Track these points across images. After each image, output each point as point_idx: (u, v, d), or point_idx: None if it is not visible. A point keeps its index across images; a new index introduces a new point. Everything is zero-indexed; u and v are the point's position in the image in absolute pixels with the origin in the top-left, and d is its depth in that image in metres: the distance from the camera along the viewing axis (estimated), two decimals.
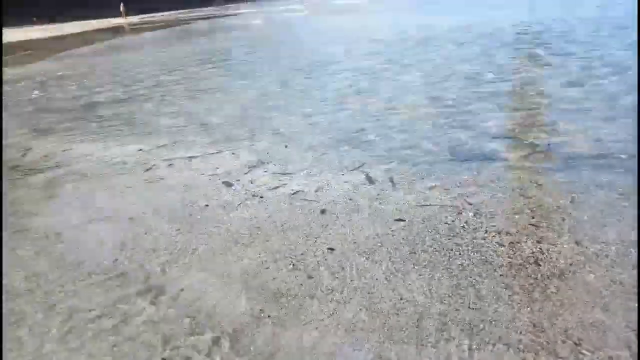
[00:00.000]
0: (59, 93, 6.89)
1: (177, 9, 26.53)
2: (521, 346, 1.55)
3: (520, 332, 1.61)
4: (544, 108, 4.07)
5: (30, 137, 4.71)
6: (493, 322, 1.67)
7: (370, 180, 2.96)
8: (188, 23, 18.21)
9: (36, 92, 7.16)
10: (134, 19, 23.07)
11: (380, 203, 2.65)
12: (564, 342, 1.55)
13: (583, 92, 4.39)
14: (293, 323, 1.77)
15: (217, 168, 3.41)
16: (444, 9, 13.91)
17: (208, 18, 19.75)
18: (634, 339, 1.53)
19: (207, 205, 2.83)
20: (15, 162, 3.99)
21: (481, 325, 1.66)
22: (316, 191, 2.87)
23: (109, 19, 22.72)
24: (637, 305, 1.68)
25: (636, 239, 2.09)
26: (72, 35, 17.19)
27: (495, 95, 4.56)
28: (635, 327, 1.58)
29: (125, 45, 12.47)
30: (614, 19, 8.66)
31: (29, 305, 2.03)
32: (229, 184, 3.11)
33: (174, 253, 2.34)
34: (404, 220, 2.43)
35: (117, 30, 17.62)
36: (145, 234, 2.56)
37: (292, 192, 2.90)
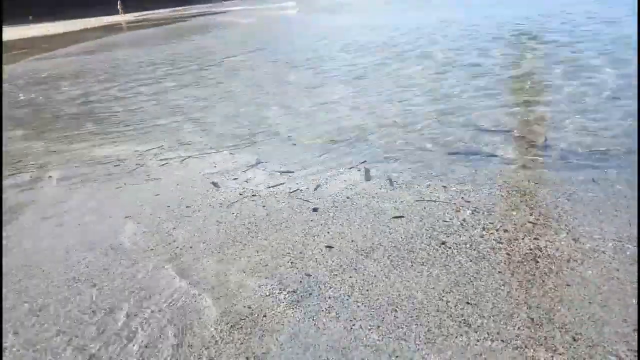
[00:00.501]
0: (51, 92, 6.86)
1: (175, 6, 26.45)
2: (519, 342, 1.55)
3: (518, 328, 1.61)
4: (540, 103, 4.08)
5: (21, 138, 4.69)
6: (491, 318, 1.67)
7: (368, 178, 2.96)
8: (184, 20, 18.14)
9: (25, 91, 7.13)
10: (132, 16, 22.97)
11: (378, 201, 2.65)
12: (562, 337, 1.55)
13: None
14: (290, 320, 1.77)
15: (215, 167, 3.40)
16: (437, 7, 13.92)
17: (204, 15, 19.69)
18: (632, 333, 1.54)
19: (204, 204, 2.82)
20: (5, 163, 3.97)
21: (479, 321, 1.66)
22: (314, 189, 2.87)
23: (107, 17, 22.61)
24: (635, 300, 1.68)
25: (632, 234, 2.10)
26: (69, 33, 17.09)
27: (493, 91, 4.56)
28: (632, 321, 1.58)
29: (120, 43, 12.42)
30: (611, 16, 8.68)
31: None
32: (226, 183, 3.11)
33: (171, 252, 2.34)
34: (402, 218, 2.44)
35: (113, 28, 17.53)
36: (143, 233, 2.55)
37: (291, 190, 2.90)
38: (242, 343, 1.69)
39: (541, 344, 1.53)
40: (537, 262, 1.97)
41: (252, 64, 7.56)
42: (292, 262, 2.14)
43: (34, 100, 6.47)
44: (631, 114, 3.61)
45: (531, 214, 2.36)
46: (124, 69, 8.25)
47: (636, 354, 1.45)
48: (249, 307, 1.87)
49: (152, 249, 2.37)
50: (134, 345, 1.73)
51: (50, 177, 3.52)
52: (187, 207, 2.80)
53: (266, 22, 14.92)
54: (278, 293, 1.94)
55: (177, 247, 2.37)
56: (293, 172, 3.17)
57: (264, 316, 1.81)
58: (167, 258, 2.28)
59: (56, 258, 2.38)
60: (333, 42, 8.87)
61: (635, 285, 1.76)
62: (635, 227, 2.16)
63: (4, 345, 1.80)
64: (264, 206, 2.72)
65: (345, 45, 8.29)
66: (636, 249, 2.00)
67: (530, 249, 2.07)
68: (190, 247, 2.36)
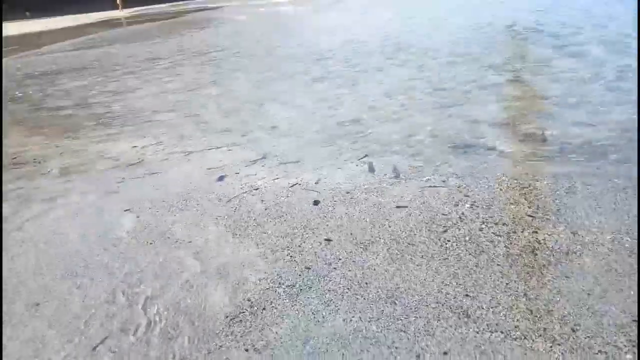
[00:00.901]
0: (48, 87, 6.83)
1: (172, 1, 26.26)
2: (518, 333, 1.56)
3: (518, 319, 1.62)
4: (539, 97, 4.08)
5: (18, 134, 4.68)
6: (490, 310, 1.68)
7: (368, 172, 2.96)
8: (181, 16, 18.07)
9: (22, 87, 7.10)
10: (130, 12, 22.85)
11: (377, 195, 2.65)
12: (561, 328, 1.56)
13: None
14: (290, 313, 1.77)
15: (214, 162, 3.39)
16: (431, 3, 13.87)
17: (200, 11, 19.63)
18: (630, 324, 1.54)
19: (203, 199, 2.82)
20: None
21: (478, 313, 1.67)
22: (315, 184, 2.87)
23: (105, 12, 22.48)
24: (633, 292, 1.69)
25: (630, 227, 2.10)
26: (67, 29, 16.99)
27: (490, 84, 4.56)
28: (631, 313, 1.59)
29: (118, 38, 12.35)
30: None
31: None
32: (225, 178, 3.10)
33: (169, 246, 2.34)
34: (401, 212, 2.44)
35: (111, 24, 17.44)
36: (142, 227, 2.55)
37: (290, 184, 2.89)
38: (241, 336, 1.69)
39: (540, 335, 1.54)
40: (536, 254, 1.98)
41: (248, 60, 7.53)
42: (291, 256, 2.15)
43: (31, 95, 6.45)
44: (630, 106, 3.61)
45: (530, 207, 2.37)
46: (121, 65, 8.22)
47: (634, 344, 1.46)
48: (249, 300, 1.87)
49: (150, 243, 2.37)
50: (130, 337, 1.73)
51: (48, 172, 3.51)
52: (186, 202, 2.80)
53: (261, 18, 14.87)
54: (277, 287, 1.94)
55: (176, 241, 2.37)
56: (292, 166, 3.17)
57: (264, 309, 1.81)
58: (166, 252, 2.28)
59: (54, 253, 2.38)
60: (329, 38, 8.84)
61: (633, 277, 1.77)
62: (633, 219, 2.16)
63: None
64: (263, 200, 2.72)
65: (342, 41, 8.27)
66: (634, 241, 2.00)
67: (529, 242, 2.07)
68: (189, 242, 2.36)
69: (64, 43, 12.66)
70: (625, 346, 1.45)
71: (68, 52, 10.81)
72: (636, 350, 1.43)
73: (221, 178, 3.09)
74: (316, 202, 2.63)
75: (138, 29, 14.78)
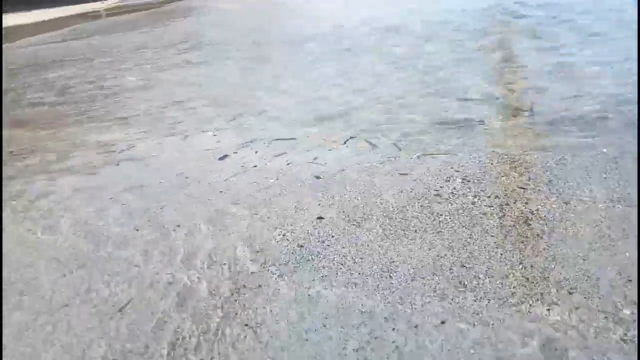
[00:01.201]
0: (29, 80, 6.68)
1: None
2: (516, 299, 1.55)
3: (514, 287, 1.61)
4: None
5: (10, 125, 4.56)
6: (487, 279, 1.67)
7: (358, 152, 2.94)
8: (165, 5, 17.77)
9: (3, 80, 6.93)
10: (114, 1, 22.32)
11: (368, 174, 2.63)
12: (558, 292, 1.55)
13: None
14: (285, 291, 1.75)
15: (204, 148, 3.33)
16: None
17: (182, 0, 19.34)
18: (626, 284, 1.55)
19: (194, 183, 2.77)
20: None
21: (475, 282, 1.65)
22: (306, 164, 2.84)
23: (88, 4, 21.93)
24: (628, 254, 1.69)
25: (621, 195, 2.11)
26: (46, 21, 16.60)
27: (476, 62, 4.55)
28: (626, 274, 1.59)
29: (101, 30, 12.08)
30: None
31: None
32: (217, 161, 3.05)
33: (158, 232, 2.29)
34: (393, 189, 2.42)
35: (94, 15, 17.07)
36: (130, 213, 2.50)
37: (282, 166, 2.86)
38: (236, 314, 1.66)
39: (538, 300, 1.53)
40: (530, 224, 1.97)
41: (235, 48, 7.43)
42: (283, 235, 2.12)
43: (13, 89, 6.29)
44: (616, 77, 3.62)
45: (521, 180, 2.36)
46: (104, 56, 8.05)
47: (631, 301, 1.46)
48: (244, 279, 1.84)
49: (138, 230, 2.32)
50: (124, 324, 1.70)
51: (39, 161, 3.43)
52: (177, 187, 2.75)
53: (247, 7, 14.67)
54: (271, 265, 1.91)
55: (164, 226, 2.32)
56: (283, 148, 3.13)
57: (259, 286, 1.78)
58: (155, 238, 2.23)
59: (42, 243, 2.32)
60: (316, 25, 8.76)
61: (627, 242, 1.77)
62: (624, 188, 2.17)
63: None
64: (254, 182, 2.68)
65: (329, 27, 8.19)
66: (626, 208, 2.00)
67: (522, 213, 2.07)
68: (178, 226, 2.31)
69: (45, 37, 12.37)
70: (622, 304, 1.46)
71: (51, 45, 10.56)
72: (633, 307, 1.43)
73: (212, 163, 3.04)
74: (306, 183, 2.60)
75: (124, 19, 14.47)
